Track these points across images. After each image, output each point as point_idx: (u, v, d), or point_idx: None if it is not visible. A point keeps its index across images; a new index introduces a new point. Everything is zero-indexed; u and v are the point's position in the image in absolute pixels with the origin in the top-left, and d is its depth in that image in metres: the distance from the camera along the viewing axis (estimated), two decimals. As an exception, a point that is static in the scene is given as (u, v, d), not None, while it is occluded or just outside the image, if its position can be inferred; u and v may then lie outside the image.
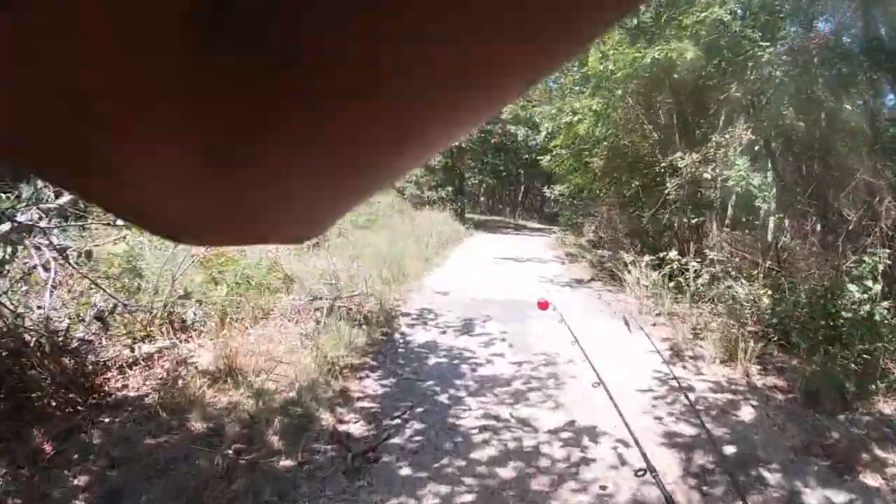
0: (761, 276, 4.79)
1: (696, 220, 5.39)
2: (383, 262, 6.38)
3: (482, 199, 24.43)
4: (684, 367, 3.88)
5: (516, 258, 9.93)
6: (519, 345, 4.17)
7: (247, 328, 3.76)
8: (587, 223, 11.56)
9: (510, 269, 8.35)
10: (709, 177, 4.94)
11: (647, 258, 5.06)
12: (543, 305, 2.47)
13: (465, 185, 19.00)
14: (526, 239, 14.08)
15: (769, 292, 4.53)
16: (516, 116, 16.63)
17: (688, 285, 4.65)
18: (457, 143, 16.12)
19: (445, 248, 10.02)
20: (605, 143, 6.50)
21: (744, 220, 5.86)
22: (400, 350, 4.00)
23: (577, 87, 7.63)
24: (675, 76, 5.50)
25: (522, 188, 24.55)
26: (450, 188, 17.08)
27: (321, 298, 4.59)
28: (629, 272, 5.48)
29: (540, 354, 3.93)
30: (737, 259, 4.99)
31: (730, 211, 5.78)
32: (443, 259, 8.64)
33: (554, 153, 9.46)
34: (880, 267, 3.90)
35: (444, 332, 4.44)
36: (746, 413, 3.15)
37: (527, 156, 21.07)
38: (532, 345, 4.15)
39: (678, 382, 2.66)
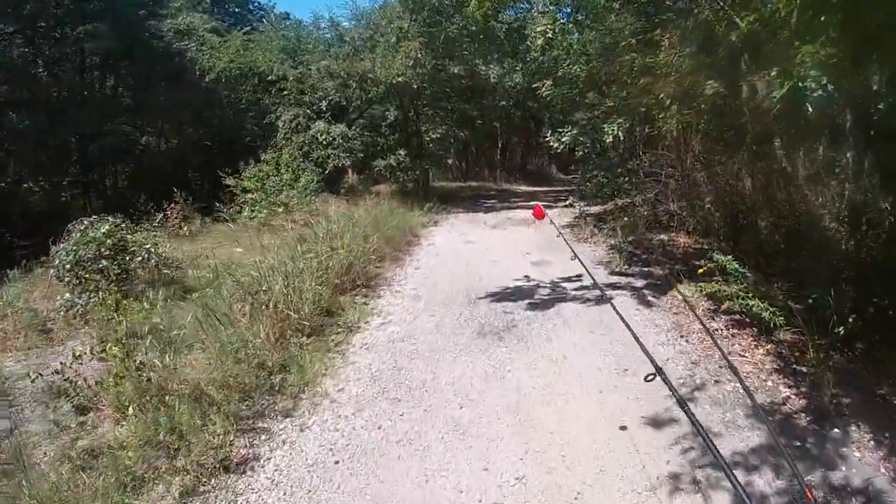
0: None
1: None
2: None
3: (450, 161, 18.75)
4: None
5: (537, 298, 4.64)
6: None
7: None
8: (642, 193, 6.26)
9: (542, 416, 3.09)
10: None
11: None
12: (539, 213, 1.77)
13: (425, 143, 13.21)
14: (524, 222, 8.68)
15: None
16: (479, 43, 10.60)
17: None
18: (406, 82, 10.04)
19: (363, 290, 4.63)
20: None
21: None
22: None
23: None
24: None
25: (500, 144, 18.89)
26: (402, 152, 11.38)
27: None
28: None
29: None
30: None
31: None
32: (327, 365, 3.26)
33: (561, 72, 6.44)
34: None
35: None
36: None
37: (503, 102, 15.34)
38: None
39: None
